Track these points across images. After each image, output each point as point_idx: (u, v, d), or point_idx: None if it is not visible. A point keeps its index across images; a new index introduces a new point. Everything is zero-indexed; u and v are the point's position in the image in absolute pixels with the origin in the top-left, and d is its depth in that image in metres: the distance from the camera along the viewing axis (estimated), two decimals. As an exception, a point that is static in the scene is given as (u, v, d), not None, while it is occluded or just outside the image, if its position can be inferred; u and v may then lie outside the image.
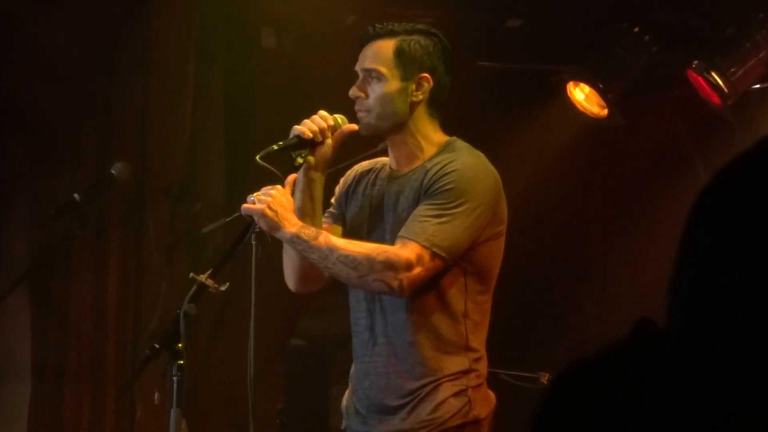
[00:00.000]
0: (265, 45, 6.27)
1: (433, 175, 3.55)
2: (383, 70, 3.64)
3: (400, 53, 3.64)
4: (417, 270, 3.47)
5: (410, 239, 3.48)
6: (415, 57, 3.64)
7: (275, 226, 3.54)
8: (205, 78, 6.17)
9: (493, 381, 3.83)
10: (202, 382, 5.84)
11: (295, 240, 3.55)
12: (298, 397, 6.86)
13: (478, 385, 3.64)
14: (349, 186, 3.84)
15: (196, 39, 6.00)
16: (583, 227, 6.97)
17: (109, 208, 5.73)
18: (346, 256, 3.49)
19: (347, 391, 3.84)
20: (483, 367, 3.67)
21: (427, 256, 3.47)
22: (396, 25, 3.69)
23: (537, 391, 4.81)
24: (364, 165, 3.86)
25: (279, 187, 3.58)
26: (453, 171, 3.53)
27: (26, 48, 5.51)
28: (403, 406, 3.64)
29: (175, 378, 3.49)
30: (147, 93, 5.86)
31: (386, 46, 3.66)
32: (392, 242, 3.59)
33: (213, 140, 6.30)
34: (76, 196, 5.08)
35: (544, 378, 4.90)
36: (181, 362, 3.49)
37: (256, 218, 3.55)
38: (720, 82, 5.36)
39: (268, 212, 3.53)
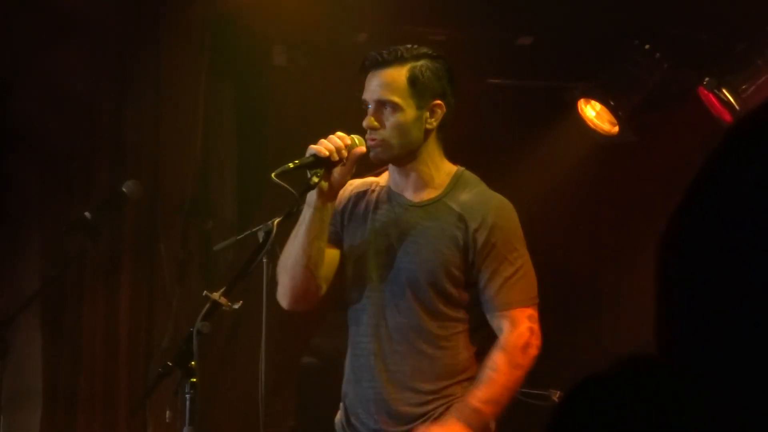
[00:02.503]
0: (276, 63, 6.28)
1: (476, 229, 3.60)
2: (398, 100, 3.60)
3: (413, 81, 3.61)
4: (535, 327, 3.63)
5: (514, 308, 3.60)
6: (428, 84, 3.62)
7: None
8: (216, 96, 6.18)
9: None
10: (214, 400, 5.84)
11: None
12: (310, 415, 6.84)
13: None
14: (345, 206, 3.79)
15: (208, 57, 6.01)
16: (595, 243, 6.95)
17: (121, 227, 5.73)
18: (508, 389, 3.61)
19: (340, 413, 3.83)
20: None
21: (532, 311, 3.63)
22: (404, 50, 3.66)
23: (548, 409, 4.80)
24: (357, 185, 3.82)
25: None
26: (497, 223, 3.61)
27: (39, 73, 5.53)
28: (414, 428, 3.64)
29: (187, 396, 3.49)
30: (159, 111, 5.87)
31: (398, 75, 3.62)
32: (410, 266, 3.61)
33: (225, 158, 6.30)
34: (86, 214, 5.08)
35: (556, 395, 4.89)
36: (194, 380, 3.49)
37: None
38: (731, 99, 5.36)
39: None
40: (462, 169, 3.72)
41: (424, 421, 3.62)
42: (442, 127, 3.66)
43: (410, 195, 3.70)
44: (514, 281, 3.58)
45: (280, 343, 5.56)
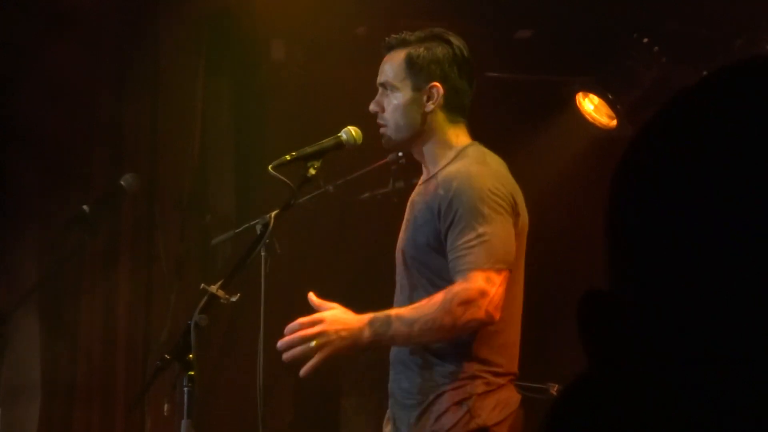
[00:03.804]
0: (274, 57, 6.28)
1: (443, 196, 3.53)
2: (395, 82, 3.64)
3: (409, 64, 3.63)
4: (492, 291, 3.45)
5: (470, 269, 3.45)
6: (424, 66, 3.62)
7: (351, 347, 3.48)
8: (214, 90, 6.18)
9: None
10: (211, 394, 5.84)
11: (376, 340, 3.50)
12: (308, 409, 6.85)
13: (486, 392, 3.60)
14: None
15: (206, 51, 6.01)
16: (594, 238, 6.93)
17: (119, 221, 5.74)
18: (426, 322, 3.44)
19: None
20: (498, 367, 3.65)
21: (493, 275, 3.46)
22: (409, 34, 3.68)
23: (546, 402, 4.80)
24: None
25: (319, 316, 3.48)
26: (460, 189, 3.50)
27: (37, 68, 5.53)
28: (409, 416, 3.65)
29: (185, 389, 3.49)
30: (157, 106, 5.87)
31: (397, 58, 3.66)
32: (402, 243, 3.63)
33: (223, 152, 6.30)
34: (84, 207, 5.08)
35: (554, 389, 4.89)
36: (192, 373, 3.49)
37: (332, 351, 3.46)
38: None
39: (336, 345, 3.45)
40: (470, 144, 3.66)
41: (418, 408, 3.62)
42: (452, 109, 3.65)
43: (424, 176, 3.73)
44: (475, 245, 3.45)
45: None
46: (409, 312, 3.47)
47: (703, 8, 5.69)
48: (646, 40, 5.83)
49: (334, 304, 3.52)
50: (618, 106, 5.89)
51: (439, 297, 3.46)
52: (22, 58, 5.53)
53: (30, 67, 5.55)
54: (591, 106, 6.05)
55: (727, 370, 0.98)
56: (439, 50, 3.64)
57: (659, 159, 1.03)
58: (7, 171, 5.62)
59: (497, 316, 3.47)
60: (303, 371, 3.48)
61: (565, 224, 6.76)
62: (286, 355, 3.47)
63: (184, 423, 3.50)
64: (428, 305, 3.46)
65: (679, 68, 5.88)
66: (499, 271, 3.46)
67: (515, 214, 3.56)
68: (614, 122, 5.99)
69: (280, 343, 3.47)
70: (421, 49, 3.64)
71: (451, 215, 3.50)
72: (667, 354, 1.01)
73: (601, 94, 5.93)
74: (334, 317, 3.47)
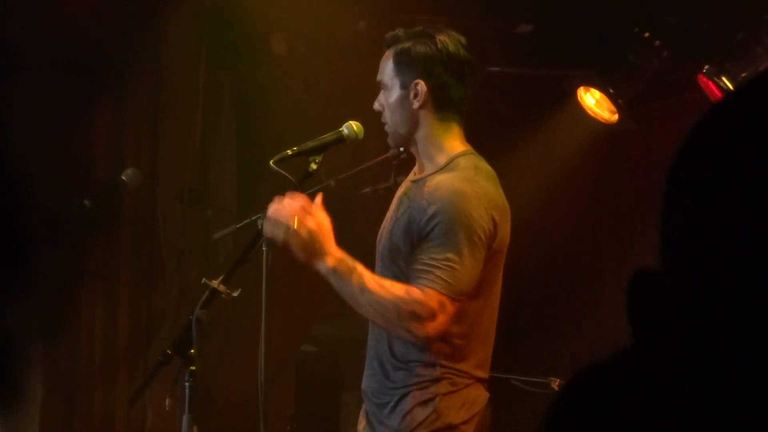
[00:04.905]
0: (275, 51, 6.28)
1: (426, 210, 3.53)
2: (387, 80, 3.68)
3: (397, 62, 3.65)
4: (441, 318, 3.47)
5: (431, 287, 3.46)
6: (408, 64, 3.64)
7: (315, 256, 3.48)
8: (216, 84, 6.18)
9: (504, 386, 3.82)
10: (213, 388, 5.84)
11: (329, 274, 3.50)
12: (309, 403, 6.86)
13: (452, 392, 3.61)
14: None
15: (207, 45, 6.01)
16: (595, 233, 6.95)
17: (120, 216, 5.73)
18: (377, 302, 3.47)
19: None
20: (462, 372, 3.66)
21: (448, 303, 3.47)
22: (402, 31, 3.69)
23: (548, 397, 4.80)
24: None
25: (316, 214, 3.50)
26: (443, 206, 3.50)
27: (39, 65, 5.52)
28: (379, 414, 3.67)
29: (187, 384, 3.50)
30: (158, 100, 5.87)
31: (389, 56, 3.68)
32: (382, 240, 3.65)
33: (224, 146, 6.30)
34: (86, 202, 5.09)
35: (555, 383, 4.90)
36: (193, 368, 3.50)
37: (294, 245, 3.46)
38: (731, 87, 5.36)
39: (308, 242, 3.46)
40: (464, 152, 3.65)
41: (386, 407, 3.63)
42: (441, 107, 3.65)
43: (416, 171, 3.74)
44: (441, 266, 3.46)
45: (279, 331, 5.57)
46: (371, 282, 3.49)
47: (704, 2, 5.69)
48: (647, 34, 5.82)
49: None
50: (619, 101, 5.88)
51: (400, 291, 3.48)
52: (24, 51, 5.52)
53: (32, 62, 5.54)
54: (592, 100, 6.05)
55: (745, 372, 0.97)
56: (422, 47, 3.64)
57: (721, 150, 1.02)
58: (8, 163, 5.61)
59: (434, 340, 3.51)
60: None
61: (567, 219, 6.76)
62: (270, 210, 3.48)
63: (185, 418, 3.51)
64: (389, 291, 3.48)
65: (680, 62, 5.88)
66: (454, 301, 3.48)
67: (491, 238, 3.54)
68: (615, 117, 5.99)
69: (273, 207, 3.48)
70: (407, 47, 3.64)
71: (428, 228, 3.51)
72: (690, 346, 1.01)
73: (602, 89, 5.92)
74: (327, 230, 3.48)
